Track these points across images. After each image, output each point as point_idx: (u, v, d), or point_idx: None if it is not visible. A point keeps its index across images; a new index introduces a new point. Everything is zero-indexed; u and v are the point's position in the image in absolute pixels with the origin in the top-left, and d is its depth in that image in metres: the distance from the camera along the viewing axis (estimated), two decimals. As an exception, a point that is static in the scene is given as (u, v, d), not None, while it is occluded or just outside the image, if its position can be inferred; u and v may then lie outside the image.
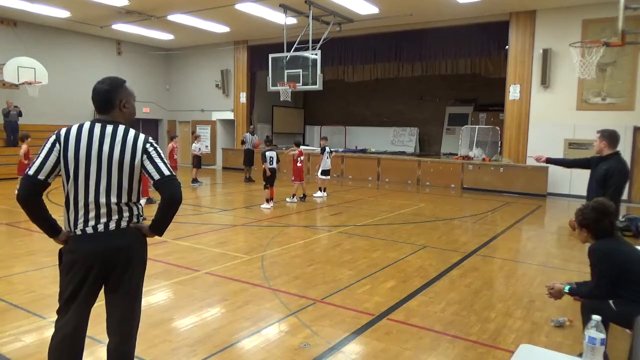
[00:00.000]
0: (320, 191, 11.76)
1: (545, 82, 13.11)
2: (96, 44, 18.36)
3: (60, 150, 2.39)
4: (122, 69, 19.47)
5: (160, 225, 2.52)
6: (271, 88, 13.81)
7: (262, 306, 4.41)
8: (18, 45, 15.56)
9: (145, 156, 2.44)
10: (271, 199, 10.10)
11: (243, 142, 15.56)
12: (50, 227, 2.46)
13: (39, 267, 5.52)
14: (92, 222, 2.41)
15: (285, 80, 13.25)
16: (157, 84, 20.88)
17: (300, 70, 13.08)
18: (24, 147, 10.85)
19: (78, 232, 2.42)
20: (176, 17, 14.78)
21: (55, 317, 3.95)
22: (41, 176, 2.36)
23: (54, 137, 2.43)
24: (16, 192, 2.45)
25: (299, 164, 10.95)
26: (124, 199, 2.45)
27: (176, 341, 3.63)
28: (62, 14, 14.71)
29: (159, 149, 2.52)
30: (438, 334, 3.91)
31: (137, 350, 3.49)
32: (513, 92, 13.71)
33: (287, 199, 10.98)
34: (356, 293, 4.84)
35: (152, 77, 20.68)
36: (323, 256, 6.31)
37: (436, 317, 4.27)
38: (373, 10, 13.31)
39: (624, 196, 12.69)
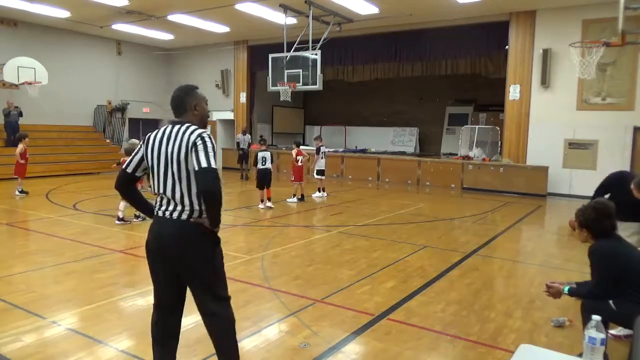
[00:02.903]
0: (319, 191, 11.75)
1: (545, 82, 13.11)
2: (96, 44, 18.35)
3: (143, 150, 2.79)
4: (122, 69, 19.48)
5: (209, 219, 2.66)
6: (271, 88, 13.81)
7: (262, 306, 4.41)
8: (18, 45, 15.55)
9: (193, 149, 2.60)
10: (269, 199, 10.03)
11: (238, 144, 15.79)
12: (145, 209, 2.89)
13: (39, 267, 5.52)
14: (163, 208, 2.73)
15: (285, 80, 13.24)
16: (157, 84, 20.87)
17: (300, 70, 13.08)
18: (20, 146, 10.82)
19: (155, 214, 2.78)
20: (176, 17, 14.77)
21: (54, 316, 3.97)
22: (129, 170, 2.81)
23: (144, 138, 2.84)
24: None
25: (299, 164, 10.94)
26: (185, 193, 2.65)
27: (176, 341, 3.62)
28: (62, 14, 14.71)
29: (208, 142, 2.61)
30: (438, 334, 3.90)
31: (136, 350, 3.52)
32: (513, 92, 13.71)
33: (288, 199, 10.98)
34: (356, 293, 4.84)
35: (152, 77, 20.67)
36: (323, 256, 6.31)
37: (436, 317, 4.27)
38: (373, 10, 13.30)
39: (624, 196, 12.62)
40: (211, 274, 2.76)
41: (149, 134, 2.83)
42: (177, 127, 2.71)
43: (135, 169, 2.81)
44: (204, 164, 2.53)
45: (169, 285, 2.80)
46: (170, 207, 2.68)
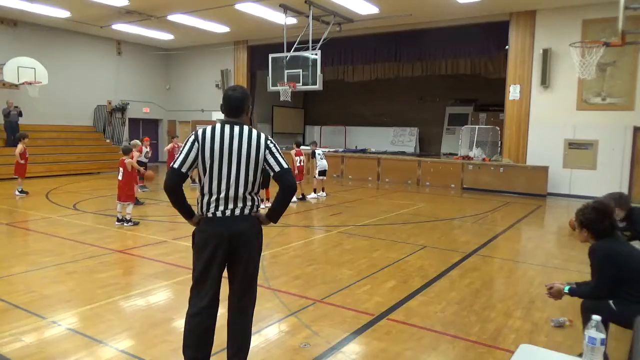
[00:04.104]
0: (315, 192, 11.74)
1: (545, 82, 13.10)
2: (96, 44, 18.35)
3: (198, 148, 2.80)
4: (122, 69, 19.48)
5: (276, 213, 2.93)
6: (271, 88, 13.81)
7: (262, 306, 4.40)
8: (18, 45, 15.56)
9: (267, 151, 2.85)
10: (267, 199, 10.02)
11: None
12: (187, 211, 2.90)
13: (39, 267, 5.52)
14: (221, 207, 2.81)
15: (285, 80, 13.24)
16: (157, 84, 20.87)
17: (300, 70, 13.08)
18: (20, 146, 10.80)
19: (209, 215, 2.82)
20: (176, 17, 14.78)
21: (54, 316, 3.96)
22: (184, 169, 2.79)
23: (193, 137, 2.84)
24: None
25: (298, 164, 10.94)
26: (248, 190, 2.85)
27: (176, 341, 3.61)
28: (62, 14, 14.71)
29: (277, 146, 2.93)
30: (438, 334, 3.90)
31: (136, 350, 3.52)
32: (513, 92, 13.70)
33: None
34: (356, 293, 4.84)
35: (152, 77, 20.67)
36: (323, 256, 6.31)
37: (436, 317, 4.27)
38: (373, 10, 13.30)
39: (624, 196, 12.58)
40: (257, 267, 2.99)
41: (199, 132, 2.82)
42: (237, 127, 2.85)
43: (189, 168, 2.81)
44: (284, 166, 2.85)
45: (218, 286, 2.90)
46: (231, 205, 2.81)
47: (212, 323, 2.93)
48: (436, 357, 3.54)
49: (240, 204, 2.83)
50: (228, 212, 2.80)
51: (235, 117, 2.90)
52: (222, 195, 2.79)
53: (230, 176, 2.79)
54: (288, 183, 2.84)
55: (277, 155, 2.86)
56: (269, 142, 2.87)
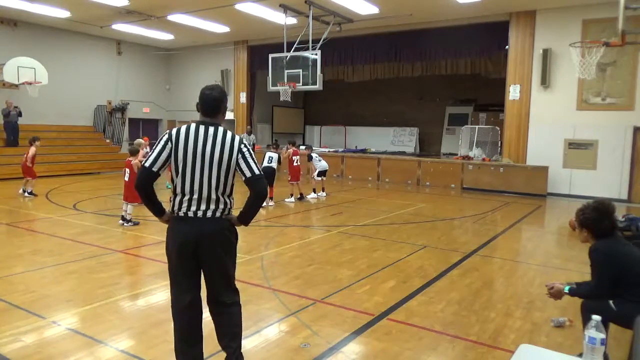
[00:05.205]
0: (315, 192, 11.74)
1: (545, 82, 13.10)
2: (96, 44, 18.34)
3: (171, 148, 2.79)
4: (122, 69, 19.48)
5: (246, 216, 2.92)
6: (271, 88, 13.80)
7: (262, 306, 4.41)
8: (18, 45, 15.55)
9: (240, 155, 2.82)
10: (270, 198, 10.16)
11: None
12: (157, 209, 2.90)
13: (39, 267, 5.52)
14: (193, 208, 2.80)
15: (285, 80, 13.24)
16: (157, 84, 20.87)
17: (300, 70, 13.08)
18: (32, 149, 10.70)
19: (181, 214, 2.82)
20: (176, 17, 14.77)
21: (54, 316, 3.96)
22: (155, 168, 2.78)
23: (166, 136, 2.83)
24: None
25: (295, 164, 10.94)
26: (220, 192, 2.83)
27: (176, 341, 3.62)
28: (62, 14, 14.70)
29: (251, 150, 2.90)
30: (438, 334, 3.90)
31: (136, 350, 3.52)
32: (513, 92, 13.70)
33: (286, 199, 10.98)
34: (356, 293, 4.84)
35: (152, 77, 20.67)
36: (323, 256, 6.31)
37: (436, 317, 4.27)
38: (373, 10, 13.30)
39: (624, 196, 12.67)
40: (233, 267, 3.00)
41: (173, 132, 2.81)
42: (212, 128, 2.81)
43: (160, 167, 2.80)
44: (256, 172, 2.83)
45: (196, 284, 2.91)
46: (203, 206, 2.80)
47: (197, 322, 2.96)
48: (436, 357, 3.54)
49: (212, 206, 2.81)
50: (200, 213, 2.79)
51: (211, 118, 2.87)
52: (195, 196, 2.79)
53: (202, 178, 2.77)
54: (258, 189, 2.83)
55: (250, 160, 2.83)
56: (242, 146, 2.83)
